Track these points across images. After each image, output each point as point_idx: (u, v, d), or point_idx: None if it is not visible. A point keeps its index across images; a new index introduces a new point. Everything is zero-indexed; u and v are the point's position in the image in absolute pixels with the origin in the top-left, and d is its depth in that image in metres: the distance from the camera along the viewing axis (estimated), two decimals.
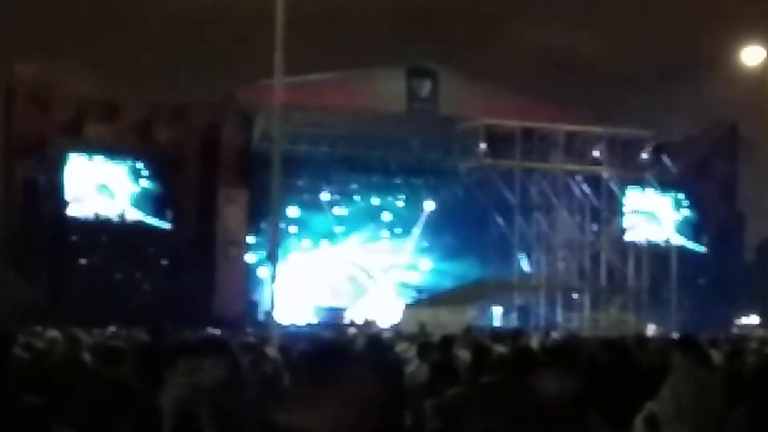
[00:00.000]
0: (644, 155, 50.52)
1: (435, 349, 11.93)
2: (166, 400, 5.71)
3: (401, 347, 15.62)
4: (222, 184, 48.92)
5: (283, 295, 38.76)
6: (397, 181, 53.23)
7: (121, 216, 48.19)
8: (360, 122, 47.95)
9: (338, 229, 55.51)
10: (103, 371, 9.42)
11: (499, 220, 48.49)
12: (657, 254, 53.39)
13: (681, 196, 53.91)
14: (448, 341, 12.51)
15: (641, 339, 17.11)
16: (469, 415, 7.62)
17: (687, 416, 8.42)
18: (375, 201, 55.00)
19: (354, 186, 53.80)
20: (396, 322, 49.64)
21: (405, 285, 55.95)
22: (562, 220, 51.01)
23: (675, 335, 34.00)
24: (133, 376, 8.17)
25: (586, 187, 50.02)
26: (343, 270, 56.18)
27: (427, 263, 56.00)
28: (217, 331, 35.84)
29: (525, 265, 49.86)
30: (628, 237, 52.53)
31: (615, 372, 10.87)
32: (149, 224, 48.41)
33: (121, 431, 7.90)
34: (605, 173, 49.47)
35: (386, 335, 24.84)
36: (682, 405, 8.47)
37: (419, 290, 54.51)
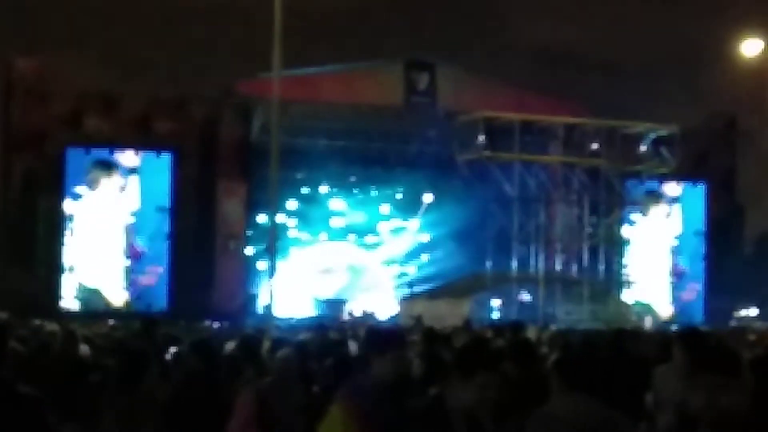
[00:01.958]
0: (643, 148, 50.49)
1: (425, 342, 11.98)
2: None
3: None
4: (221, 177, 48.93)
5: (282, 287, 38.82)
6: (396, 173, 53.18)
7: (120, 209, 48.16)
8: (358, 115, 47.95)
9: (337, 222, 55.53)
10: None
11: (498, 212, 48.44)
12: (655, 247, 53.56)
13: (680, 188, 53.95)
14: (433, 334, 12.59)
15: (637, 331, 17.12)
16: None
17: None
18: (374, 193, 55.00)
19: (352, 179, 53.78)
20: (394, 315, 49.76)
21: (404, 277, 55.96)
22: (561, 213, 51.01)
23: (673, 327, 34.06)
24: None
25: (584, 180, 49.99)
26: (342, 263, 56.20)
27: (425, 255, 56.02)
28: (216, 324, 36.02)
29: (524, 257, 49.80)
30: (626, 229, 52.61)
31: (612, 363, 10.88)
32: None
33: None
34: (604, 166, 49.44)
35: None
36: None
37: (418, 283, 54.48)
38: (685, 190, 54.12)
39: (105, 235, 47.35)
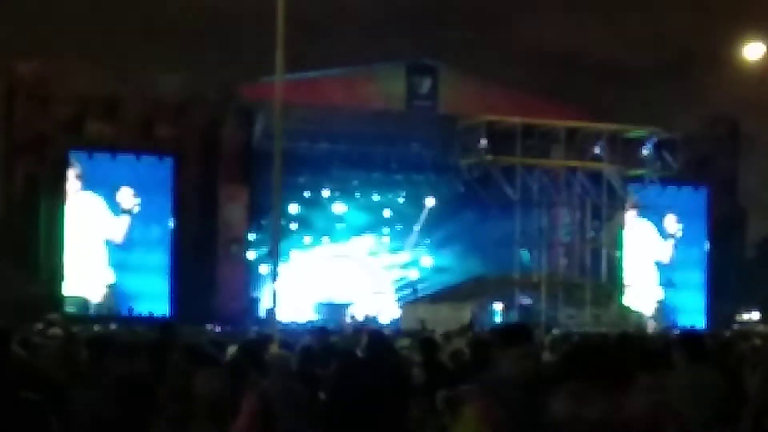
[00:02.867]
0: (645, 151, 50.47)
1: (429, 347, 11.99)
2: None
3: (403, 343, 15.64)
4: (223, 181, 48.92)
5: (284, 292, 38.75)
6: (398, 177, 53.16)
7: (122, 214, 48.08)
8: (360, 119, 47.95)
9: (339, 226, 55.49)
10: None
11: (500, 216, 48.44)
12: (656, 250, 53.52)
13: (682, 192, 53.88)
14: (431, 341, 12.61)
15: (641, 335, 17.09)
16: None
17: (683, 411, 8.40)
18: (376, 198, 54.93)
19: (355, 183, 53.72)
20: (397, 319, 49.71)
21: (406, 282, 55.90)
22: (563, 216, 50.99)
23: (676, 331, 34.00)
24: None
25: (587, 183, 49.98)
26: (344, 267, 56.13)
27: (427, 260, 55.96)
28: (218, 328, 36.01)
29: (526, 261, 49.80)
30: (628, 233, 52.59)
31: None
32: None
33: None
34: (606, 169, 49.43)
35: (387, 332, 24.84)
36: (680, 400, 8.46)
37: (420, 287, 54.44)
38: (687, 193, 54.03)
39: (102, 243, 47.37)
